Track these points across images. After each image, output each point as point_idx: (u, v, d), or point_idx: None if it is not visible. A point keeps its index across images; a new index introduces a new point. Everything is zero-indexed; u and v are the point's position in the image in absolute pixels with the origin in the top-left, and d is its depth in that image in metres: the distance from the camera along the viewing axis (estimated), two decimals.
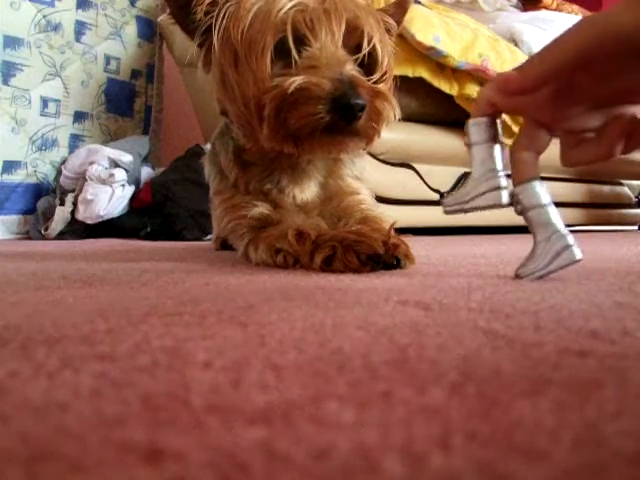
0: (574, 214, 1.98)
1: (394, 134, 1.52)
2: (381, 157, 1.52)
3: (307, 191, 0.76)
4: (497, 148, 0.51)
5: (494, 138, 0.51)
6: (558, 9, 2.45)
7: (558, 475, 0.15)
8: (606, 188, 2.12)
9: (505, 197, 0.51)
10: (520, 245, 1.14)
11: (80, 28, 1.98)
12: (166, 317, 0.36)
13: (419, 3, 1.63)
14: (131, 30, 2.12)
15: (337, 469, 0.15)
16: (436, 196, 1.63)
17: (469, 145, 0.52)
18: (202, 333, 0.31)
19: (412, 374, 0.23)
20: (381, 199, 1.52)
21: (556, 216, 0.51)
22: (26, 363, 0.26)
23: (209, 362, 0.25)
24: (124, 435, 0.18)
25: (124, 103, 2.14)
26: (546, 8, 2.42)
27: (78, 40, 1.98)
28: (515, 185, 0.51)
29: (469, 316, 0.35)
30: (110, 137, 2.08)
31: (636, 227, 2.31)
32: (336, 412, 0.19)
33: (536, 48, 2.04)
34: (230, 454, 0.16)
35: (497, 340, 0.29)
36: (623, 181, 2.19)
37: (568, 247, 0.50)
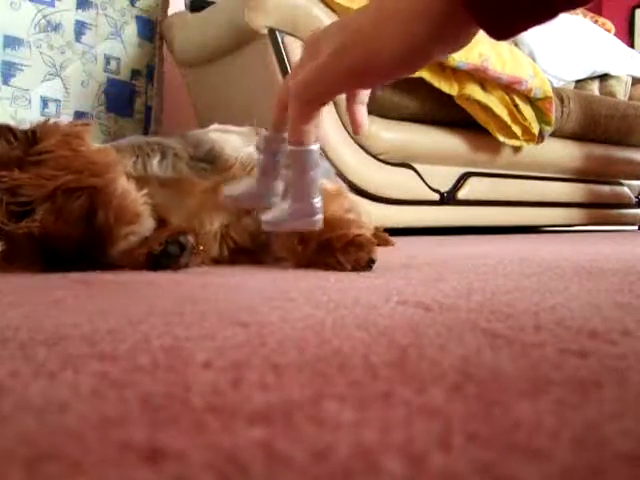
0: (574, 214, 1.97)
1: (394, 134, 1.52)
2: (381, 157, 1.52)
3: None
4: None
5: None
6: None
7: (558, 475, 0.15)
8: (606, 188, 2.11)
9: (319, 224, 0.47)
10: (520, 245, 1.14)
11: (80, 28, 1.98)
12: (166, 317, 0.36)
13: None
14: (131, 30, 2.12)
15: (337, 469, 0.15)
16: (436, 196, 1.63)
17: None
18: (202, 333, 0.31)
19: (412, 374, 0.23)
20: (381, 199, 1.52)
21: None
22: (26, 363, 0.26)
23: (209, 362, 0.25)
24: (124, 435, 0.17)
25: (124, 103, 2.13)
26: None
27: (78, 40, 1.98)
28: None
29: (469, 316, 0.35)
30: (110, 137, 2.07)
31: (636, 227, 2.31)
32: (336, 412, 0.19)
33: (536, 49, 2.04)
34: (230, 454, 0.16)
35: (497, 340, 0.29)
36: (623, 181, 2.19)
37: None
